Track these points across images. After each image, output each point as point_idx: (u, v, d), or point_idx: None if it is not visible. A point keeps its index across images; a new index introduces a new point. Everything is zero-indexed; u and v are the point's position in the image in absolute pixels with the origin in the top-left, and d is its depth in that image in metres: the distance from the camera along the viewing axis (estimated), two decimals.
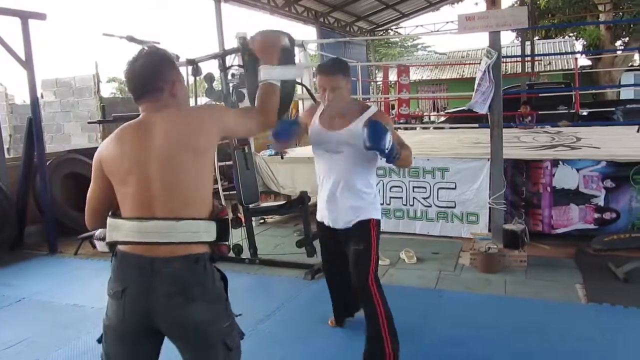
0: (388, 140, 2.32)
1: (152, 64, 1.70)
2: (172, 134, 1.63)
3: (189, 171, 1.62)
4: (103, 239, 1.78)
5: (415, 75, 21.05)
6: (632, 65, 15.77)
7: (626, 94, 16.49)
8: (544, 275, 4.13)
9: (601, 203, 4.73)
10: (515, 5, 15.83)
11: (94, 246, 5.62)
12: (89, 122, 7.21)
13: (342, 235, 2.74)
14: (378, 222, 2.70)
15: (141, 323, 1.62)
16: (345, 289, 2.99)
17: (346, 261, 2.75)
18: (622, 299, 3.56)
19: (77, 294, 4.28)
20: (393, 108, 13.57)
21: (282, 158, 5.44)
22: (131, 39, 4.94)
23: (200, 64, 4.69)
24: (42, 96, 9.15)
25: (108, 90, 21.14)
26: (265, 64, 1.87)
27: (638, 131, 6.65)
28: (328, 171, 2.70)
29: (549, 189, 4.89)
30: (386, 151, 2.34)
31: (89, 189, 1.79)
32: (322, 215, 2.83)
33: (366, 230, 2.64)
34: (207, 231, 1.65)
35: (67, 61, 39.71)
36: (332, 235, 2.80)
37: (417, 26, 17.80)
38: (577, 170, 4.79)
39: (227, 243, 1.75)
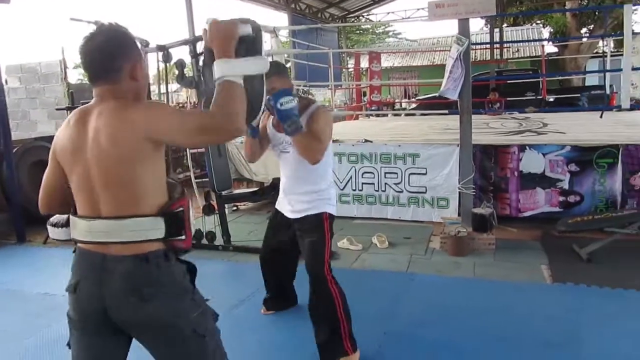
0: (290, 105, 2.41)
1: (112, 40, 1.53)
2: (105, 131, 1.49)
3: (127, 168, 1.49)
4: (56, 225, 1.78)
5: (386, 62, 21.12)
6: (596, 52, 16.11)
7: (591, 80, 16.88)
8: (511, 258, 4.25)
9: (566, 186, 4.88)
10: None
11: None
12: (57, 109, 7.06)
13: (295, 225, 2.85)
14: (330, 215, 2.80)
15: (97, 318, 1.56)
16: (280, 276, 3.30)
17: (287, 250, 3.04)
18: (585, 279, 3.70)
19: (47, 282, 4.23)
20: (365, 95, 13.63)
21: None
22: (98, 24, 4.84)
23: (170, 50, 4.64)
24: (6, 82, 8.90)
25: (75, 77, 20.66)
26: (220, 58, 1.55)
27: (601, 116, 6.84)
28: (282, 169, 2.89)
29: (516, 173, 5.01)
30: (281, 110, 2.42)
31: (45, 173, 1.73)
32: (280, 205, 3.00)
33: (319, 223, 2.76)
34: (154, 228, 1.53)
35: (32, 46, 38.62)
36: (286, 223, 2.91)
37: (388, 13, 17.84)
38: (543, 155, 4.92)
39: (181, 238, 1.60)
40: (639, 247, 4.25)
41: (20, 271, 4.60)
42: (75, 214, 1.61)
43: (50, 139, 6.19)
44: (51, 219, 1.81)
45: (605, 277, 3.72)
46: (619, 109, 6.79)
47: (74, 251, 1.66)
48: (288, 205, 2.87)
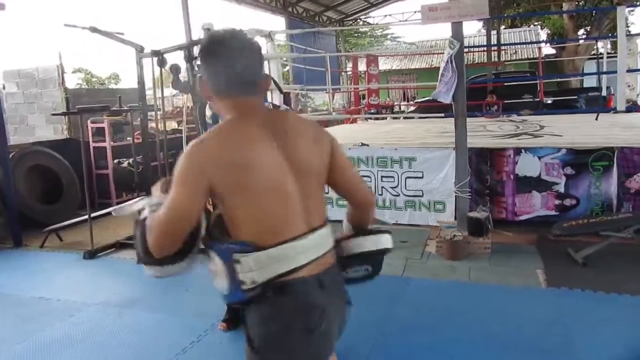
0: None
1: (257, 51, 1.45)
2: (305, 138, 1.45)
3: (322, 176, 1.50)
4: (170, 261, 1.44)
5: (384, 65, 21.15)
6: (594, 54, 16.12)
7: (589, 81, 16.90)
8: (507, 262, 4.25)
9: (562, 190, 4.87)
10: None
11: (60, 239, 5.56)
12: (52, 114, 7.07)
13: None
14: None
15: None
16: None
17: None
18: (579, 283, 3.69)
19: (43, 286, 4.24)
20: (363, 98, 13.64)
21: None
22: (94, 29, 4.87)
23: (165, 55, 4.65)
24: (4, 87, 8.94)
25: (73, 81, 20.67)
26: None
27: (597, 119, 6.85)
28: None
29: (512, 176, 5.01)
30: None
31: (170, 206, 1.34)
32: None
33: None
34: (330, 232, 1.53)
35: (29, 52, 38.65)
36: None
37: (385, 15, 17.88)
38: (539, 158, 4.92)
39: None
40: (634, 251, 4.24)
41: (15, 275, 4.60)
42: (283, 240, 1.38)
43: (48, 143, 6.23)
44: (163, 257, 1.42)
45: (600, 281, 3.71)
46: (615, 111, 6.78)
47: (272, 291, 1.38)
48: None
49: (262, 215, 1.37)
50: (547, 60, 17.41)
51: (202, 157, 1.34)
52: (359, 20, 18.14)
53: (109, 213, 5.92)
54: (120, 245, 5.23)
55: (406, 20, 16.94)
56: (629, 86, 9.85)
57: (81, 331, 3.39)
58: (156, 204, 1.42)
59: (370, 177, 5.49)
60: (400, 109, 17.36)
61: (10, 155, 5.91)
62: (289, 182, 1.40)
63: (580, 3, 18.40)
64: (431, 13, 4.36)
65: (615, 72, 6.06)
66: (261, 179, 1.35)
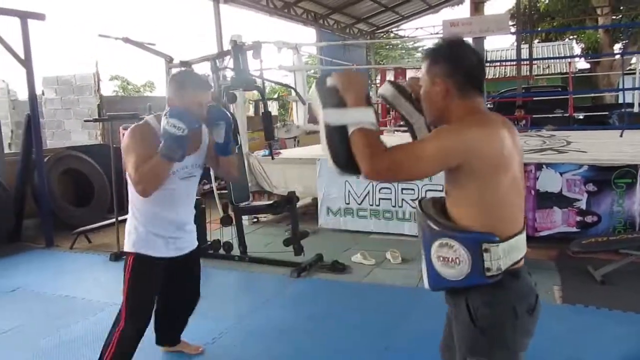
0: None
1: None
2: (518, 142, 1.60)
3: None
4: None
5: None
6: (630, 69, 15.82)
7: (626, 97, 16.55)
8: None
9: (583, 206, 4.83)
10: (513, 9, 15.92)
11: (89, 240, 5.77)
12: (85, 120, 7.34)
13: (181, 261, 2.65)
14: None
15: None
16: (168, 312, 2.96)
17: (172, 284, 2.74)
18: (596, 300, 3.67)
19: (70, 286, 4.42)
20: (390, 111, 13.66)
21: (272, 159, 5.57)
22: (127, 40, 5.07)
23: (193, 66, 4.81)
24: (43, 93, 9.31)
25: (110, 88, 21.24)
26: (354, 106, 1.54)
27: (621, 135, 6.74)
28: (178, 198, 2.56)
29: (532, 192, 4.99)
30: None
31: (419, 155, 1.49)
32: (176, 247, 2.63)
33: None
34: None
35: (68, 59, 39.86)
36: (169, 265, 2.61)
37: (417, 28, 17.91)
38: (561, 174, 4.90)
39: None
40: None
41: (45, 274, 4.80)
42: (520, 230, 1.57)
43: (81, 148, 6.49)
44: None
45: (617, 299, 3.68)
46: None
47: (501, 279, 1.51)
48: (188, 242, 2.70)
49: (507, 204, 1.52)
50: (580, 75, 17.15)
51: (472, 138, 1.47)
52: (389, 33, 18.21)
53: None
54: None
55: (437, 34, 16.92)
56: None
57: (102, 329, 3.47)
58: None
59: (390, 189, 5.55)
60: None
61: (46, 159, 6.16)
62: (521, 175, 1.59)
63: (617, 17, 18.09)
64: (452, 28, 4.41)
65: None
66: (512, 171, 1.51)
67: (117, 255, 5.11)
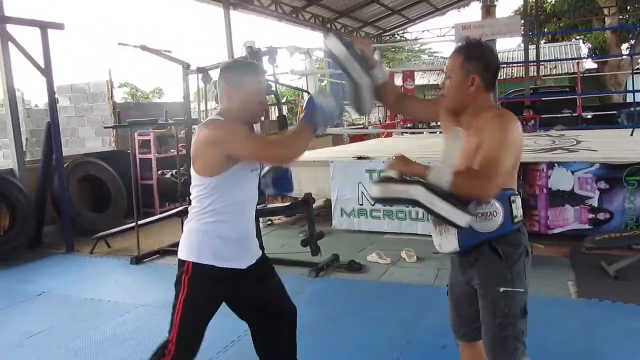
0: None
1: None
2: None
3: None
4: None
5: (421, 80, 21.22)
6: (637, 68, 15.83)
7: (636, 96, 16.55)
8: (538, 273, 4.28)
9: (595, 204, 4.90)
10: (519, 10, 15.99)
11: (108, 245, 5.89)
12: (105, 127, 7.50)
13: (253, 272, 2.19)
14: None
15: None
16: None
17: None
18: (610, 295, 3.74)
19: (94, 289, 4.53)
20: None
21: None
22: (144, 48, 5.19)
23: (210, 72, 4.93)
24: (57, 101, 9.44)
25: (119, 95, 21.46)
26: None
27: (632, 134, 6.81)
28: (244, 197, 2.15)
29: (545, 190, 5.07)
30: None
31: (500, 161, 1.78)
32: (245, 257, 2.18)
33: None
34: None
35: (81, 67, 40.28)
36: (244, 277, 2.16)
37: (423, 31, 18.01)
38: (572, 172, 4.97)
39: None
40: None
41: (68, 278, 4.92)
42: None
43: (98, 155, 6.61)
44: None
45: (631, 293, 3.75)
46: None
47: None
48: (256, 245, 2.26)
49: (515, 167, 1.89)
50: (588, 75, 17.16)
51: (518, 127, 1.85)
52: (396, 36, 18.32)
53: (153, 221, 6.24)
54: (163, 252, 5.51)
55: (444, 36, 17.02)
56: None
57: (130, 330, 3.64)
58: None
59: None
60: (437, 123, 17.37)
61: (64, 166, 6.29)
62: None
63: (624, 17, 18.11)
64: (465, 31, 4.50)
65: None
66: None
67: (138, 259, 5.23)
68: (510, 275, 1.85)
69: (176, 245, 5.93)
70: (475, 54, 1.88)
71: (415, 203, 1.76)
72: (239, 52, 7.76)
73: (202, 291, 2.11)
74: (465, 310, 2.04)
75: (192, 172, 2.06)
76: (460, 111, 1.94)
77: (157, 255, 5.47)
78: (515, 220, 1.86)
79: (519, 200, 1.88)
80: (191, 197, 2.11)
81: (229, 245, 2.09)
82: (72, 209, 6.18)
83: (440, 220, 1.80)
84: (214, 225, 2.07)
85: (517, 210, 1.86)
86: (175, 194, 7.40)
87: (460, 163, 1.90)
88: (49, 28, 5.58)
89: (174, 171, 7.80)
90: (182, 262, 2.12)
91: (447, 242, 1.91)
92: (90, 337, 3.52)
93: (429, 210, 1.77)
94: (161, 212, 7.17)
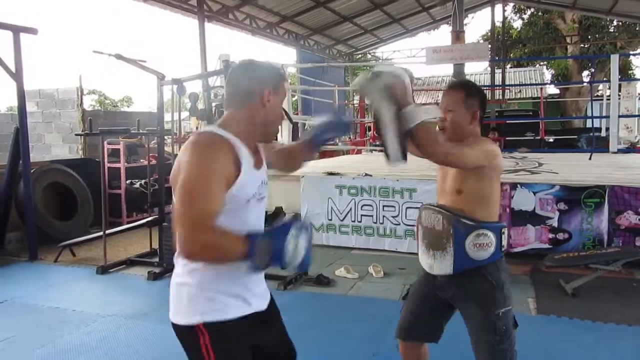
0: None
1: None
2: None
3: None
4: None
5: None
6: (597, 95, 16.49)
7: (595, 122, 17.23)
8: None
9: (555, 224, 5.10)
10: (487, 36, 16.50)
11: (73, 254, 5.80)
12: (76, 134, 7.41)
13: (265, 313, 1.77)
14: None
15: None
16: None
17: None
18: (568, 312, 3.90)
19: (59, 298, 4.47)
20: (369, 130, 13.96)
21: None
22: (119, 57, 5.19)
23: (185, 84, 4.96)
24: None
25: (87, 103, 21.14)
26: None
27: (590, 158, 7.11)
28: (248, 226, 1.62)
29: (508, 210, 5.25)
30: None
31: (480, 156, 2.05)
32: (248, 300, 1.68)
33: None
34: None
35: (49, 73, 39.53)
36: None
37: (394, 51, 18.38)
38: (534, 193, 5.17)
39: None
40: (621, 284, 4.47)
41: (33, 287, 4.83)
42: None
43: (65, 162, 6.52)
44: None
45: (587, 310, 3.92)
46: (607, 151, 7.04)
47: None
48: (264, 283, 1.82)
49: (498, 200, 2.18)
50: (551, 100, 17.79)
51: (496, 149, 2.10)
52: (368, 55, 18.63)
53: (121, 231, 6.19)
54: (130, 262, 5.47)
55: (414, 57, 17.40)
56: (627, 127, 10.11)
57: (96, 339, 3.60)
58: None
59: (372, 206, 5.75)
60: None
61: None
62: None
63: (585, 46, 18.87)
64: (435, 54, 4.67)
65: (608, 116, 6.34)
66: None
67: (104, 269, 5.17)
68: (503, 298, 2.11)
69: (144, 255, 5.91)
70: (474, 91, 2.15)
71: (379, 115, 1.89)
72: (213, 64, 7.81)
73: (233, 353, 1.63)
74: (429, 316, 2.30)
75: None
76: (460, 142, 2.09)
77: (124, 265, 5.42)
78: (502, 249, 2.11)
79: (506, 232, 2.16)
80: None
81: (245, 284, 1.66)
82: (37, 216, 6.08)
83: (381, 144, 1.94)
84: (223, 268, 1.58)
85: (505, 240, 2.12)
86: (143, 204, 7.37)
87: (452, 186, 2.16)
88: (22, 32, 5.52)
89: (143, 181, 7.76)
90: (187, 329, 1.59)
91: (441, 266, 2.13)
92: (55, 346, 3.48)
93: (380, 130, 1.91)
94: (128, 222, 7.11)
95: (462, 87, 2.17)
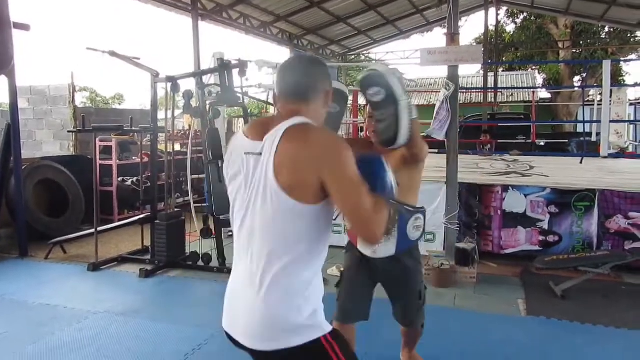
0: None
1: None
2: None
3: None
4: None
5: None
6: (588, 100, 16.62)
7: (585, 126, 17.37)
8: (490, 291, 4.49)
9: (546, 227, 5.15)
10: (480, 39, 16.60)
11: (64, 251, 5.78)
12: (69, 131, 7.37)
13: None
14: None
15: None
16: None
17: None
18: (557, 314, 3.94)
19: (50, 295, 4.45)
20: (362, 130, 13.99)
21: None
22: (113, 54, 5.18)
23: (179, 81, 4.96)
24: None
25: (78, 100, 20.98)
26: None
27: (581, 162, 7.17)
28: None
29: (499, 212, 5.29)
30: None
31: None
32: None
33: None
34: None
35: (40, 70, 39.27)
36: None
37: (387, 52, 18.40)
38: (525, 195, 5.22)
39: None
40: (609, 287, 4.52)
41: (23, 283, 4.80)
42: None
43: (56, 159, 6.49)
44: None
45: (576, 313, 3.96)
46: (598, 156, 7.10)
47: None
48: None
49: None
50: (542, 104, 17.91)
51: None
52: (361, 56, 18.66)
53: (113, 228, 6.17)
54: (122, 260, 5.45)
55: (407, 58, 17.45)
56: (617, 133, 10.21)
57: (88, 337, 3.60)
58: None
59: None
60: None
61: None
62: None
63: (577, 51, 19.03)
64: (430, 56, 4.70)
65: (599, 121, 6.41)
66: None
67: (96, 266, 5.16)
68: (422, 270, 2.70)
69: (136, 253, 5.88)
70: None
71: (398, 98, 2.06)
72: (207, 62, 7.79)
73: None
74: (364, 298, 2.62)
75: (288, 199, 1.40)
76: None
77: (116, 262, 5.41)
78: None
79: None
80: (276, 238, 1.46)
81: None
82: (27, 213, 6.04)
83: (392, 123, 2.10)
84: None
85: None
86: (135, 201, 7.35)
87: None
88: (14, 28, 5.48)
89: (135, 179, 7.73)
90: (314, 345, 1.49)
91: (385, 249, 2.46)
92: (46, 342, 3.47)
93: (392, 112, 2.08)
94: (120, 220, 7.08)
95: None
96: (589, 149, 8.83)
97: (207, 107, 4.85)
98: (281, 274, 1.45)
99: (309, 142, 1.40)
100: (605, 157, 6.84)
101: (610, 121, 6.63)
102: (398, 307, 2.73)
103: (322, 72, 1.59)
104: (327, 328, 1.52)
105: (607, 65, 6.07)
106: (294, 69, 1.57)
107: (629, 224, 4.91)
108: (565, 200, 5.10)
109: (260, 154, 1.44)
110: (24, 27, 5.63)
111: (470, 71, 22.70)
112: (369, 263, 2.56)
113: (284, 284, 1.46)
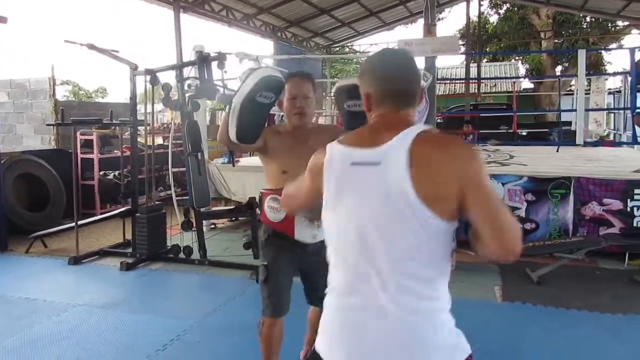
0: None
1: None
2: None
3: None
4: None
5: None
6: (569, 90, 16.79)
7: (567, 116, 17.57)
8: (468, 278, 4.57)
9: (523, 214, 5.23)
10: (464, 30, 16.69)
11: (45, 245, 5.76)
12: (47, 125, 7.32)
13: None
14: None
15: None
16: None
17: None
18: (532, 299, 4.02)
19: (30, 288, 4.44)
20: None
21: (233, 166, 5.73)
22: (91, 46, 5.15)
23: (158, 74, 4.94)
24: None
25: (60, 93, 20.80)
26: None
27: (557, 151, 7.28)
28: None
29: None
30: None
31: None
32: None
33: None
34: None
35: (20, 63, 38.76)
36: None
37: (372, 44, 18.39)
38: (503, 184, 5.28)
39: None
40: (583, 272, 4.62)
41: (2, 278, 4.79)
42: None
43: (37, 152, 6.45)
44: None
45: (551, 297, 4.04)
46: (575, 144, 7.22)
47: None
48: None
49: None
50: (524, 94, 18.05)
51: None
52: (345, 47, 18.66)
53: (94, 222, 6.15)
54: (103, 253, 5.45)
55: None
56: (596, 121, 10.36)
57: (66, 329, 3.61)
58: None
59: None
60: None
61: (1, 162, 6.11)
62: None
63: (559, 41, 19.18)
64: (407, 47, 4.73)
65: (575, 110, 6.51)
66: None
67: (77, 259, 5.15)
68: None
69: (117, 246, 5.89)
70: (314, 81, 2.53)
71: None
72: (189, 55, 7.76)
73: None
74: (290, 289, 2.49)
75: (429, 214, 1.26)
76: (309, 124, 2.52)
77: (97, 256, 5.40)
78: None
79: None
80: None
81: None
82: (7, 207, 6.01)
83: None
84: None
85: None
86: (116, 195, 7.32)
87: None
88: None
89: (116, 172, 7.70)
90: None
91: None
92: (24, 335, 3.47)
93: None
94: (101, 213, 7.06)
95: (309, 78, 2.44)
96: (567, 138, 8.96)
97: (187, 100, 4.84)
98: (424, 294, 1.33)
99: (451, 152, 1.27)
100: (582, 146, 6.96)
101: (586, 110, 6.71)
102: (319, 287, 2.50)
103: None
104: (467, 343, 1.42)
105: (582, 54, 6.16)
106: (398, 67, 1.37)
107: (603, 210, 5.00)
108: (542, 188, 5.17)
109: (379, 163, 1.27)
110: (0, 19, 5.57)
111: (454, 62, 22.79)
112: (300, 250, 2.40)
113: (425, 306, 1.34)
